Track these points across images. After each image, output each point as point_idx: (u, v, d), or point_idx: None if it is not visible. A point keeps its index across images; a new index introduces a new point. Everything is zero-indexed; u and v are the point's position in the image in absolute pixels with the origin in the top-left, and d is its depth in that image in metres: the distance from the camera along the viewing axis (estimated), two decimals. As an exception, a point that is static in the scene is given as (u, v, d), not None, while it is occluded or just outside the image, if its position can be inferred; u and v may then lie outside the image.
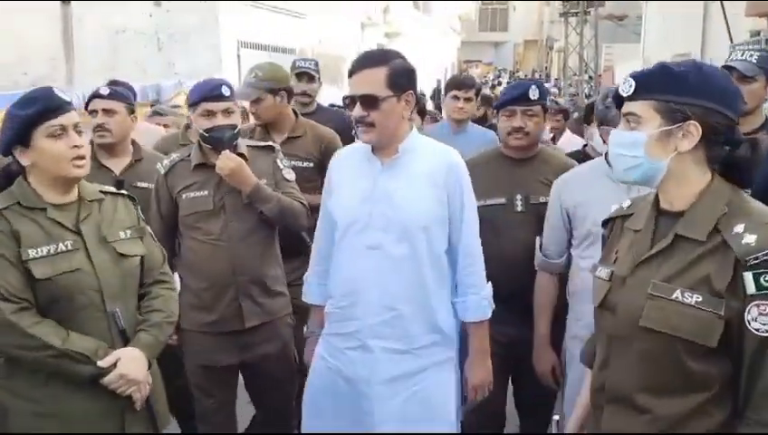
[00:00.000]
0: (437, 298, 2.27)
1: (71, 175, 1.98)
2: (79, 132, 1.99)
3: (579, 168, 2.76)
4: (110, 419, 2.02)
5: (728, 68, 2.64)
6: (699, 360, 1.52)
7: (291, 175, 2.89)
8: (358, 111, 2.16)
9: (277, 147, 2.96)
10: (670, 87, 1.57)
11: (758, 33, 8.27)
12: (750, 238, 1.48)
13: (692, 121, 1.54)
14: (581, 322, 2.45)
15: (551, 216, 2.67)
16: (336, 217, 2.31)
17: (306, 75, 4.05)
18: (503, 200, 2.82)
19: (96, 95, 3.04)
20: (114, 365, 1.97)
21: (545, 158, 2.92)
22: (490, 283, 2.34)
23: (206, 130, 2.68)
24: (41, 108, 1.93)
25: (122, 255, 2.07)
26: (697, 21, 10.84)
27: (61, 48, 9.15)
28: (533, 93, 2.81)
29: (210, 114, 2.68)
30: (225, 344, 2.74)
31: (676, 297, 1.53)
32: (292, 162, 3.03)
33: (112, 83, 3.91)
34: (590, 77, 23.88)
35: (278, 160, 2.88)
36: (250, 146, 2.86)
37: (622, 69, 18.26)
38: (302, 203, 2.82)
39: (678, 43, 11.48)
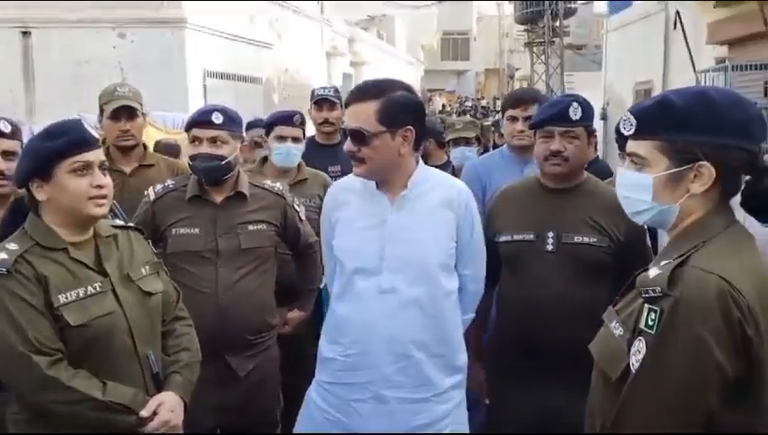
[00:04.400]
0: (456, 336, 2.18)
1: (90, 214, 1.84)
2: (104, 171, 1.87)
3: None
4: None
5: None
6: None
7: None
8: (348, 145, 2.10)
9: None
10: (674, 124, 1.39)
11: (723, 61, 8.45)
12: (653, 272, 1.38)
13: (703, 163, 1.38)
14: None
15: None
16: (341, 258, 2.17)
17: (327, 102, 3.81)
18: (531, 236, 2.35)
19: None
20: (154, 413, 1.83)
21: (590, 190, 2.40)
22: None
23: (191, 158, 2.50)
24: (68, 141, 1.79)
25: (147, 293, 1.94)
26: (658, 48, 11.04)
27: (20, 79, 8.90)
28: (575, 113, 2.33)
29: (196, 141, 2.49)
30: (205, 404, 2.38)
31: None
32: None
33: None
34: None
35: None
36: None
37: (585, 95, 18.67)
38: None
39: (640, 70, 11.69)
